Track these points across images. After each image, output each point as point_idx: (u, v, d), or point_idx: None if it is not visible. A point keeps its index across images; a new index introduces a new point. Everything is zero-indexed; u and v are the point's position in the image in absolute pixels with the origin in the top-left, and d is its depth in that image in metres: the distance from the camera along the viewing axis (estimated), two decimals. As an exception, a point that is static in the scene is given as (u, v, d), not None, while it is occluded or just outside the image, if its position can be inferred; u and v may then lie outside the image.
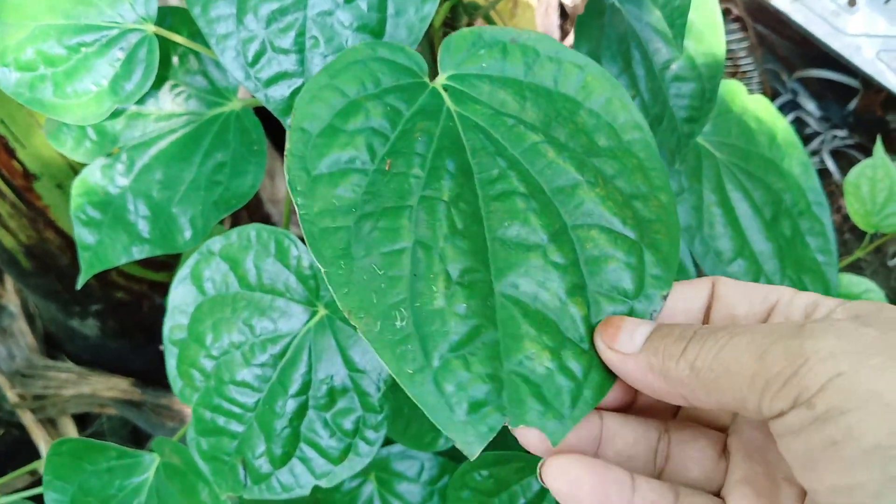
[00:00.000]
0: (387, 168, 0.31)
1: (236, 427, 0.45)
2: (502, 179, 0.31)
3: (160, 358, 1.40)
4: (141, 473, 0.52)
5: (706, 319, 0.32)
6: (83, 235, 0.51)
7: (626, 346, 0.29)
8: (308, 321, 0.45)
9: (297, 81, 0.40)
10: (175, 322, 0.46)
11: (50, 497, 0.56)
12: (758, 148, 0.66)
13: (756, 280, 0.59)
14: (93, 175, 0.50)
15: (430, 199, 0.30)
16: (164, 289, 1.23)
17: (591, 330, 0.30)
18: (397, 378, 0.28)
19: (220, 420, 0.46)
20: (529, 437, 0.29)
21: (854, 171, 0.87)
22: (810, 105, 1.39)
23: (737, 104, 0.66)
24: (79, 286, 0.52)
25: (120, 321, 1.24)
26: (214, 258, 0.45)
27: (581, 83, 0.34)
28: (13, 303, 1.43)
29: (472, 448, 0.27)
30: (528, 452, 0.48)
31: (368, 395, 0.44)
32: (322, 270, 0.28)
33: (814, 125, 1.40)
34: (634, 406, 0.33)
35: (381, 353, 0.28)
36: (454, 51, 0.34)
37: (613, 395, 0.31)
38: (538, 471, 0.29)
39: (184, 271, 0.45)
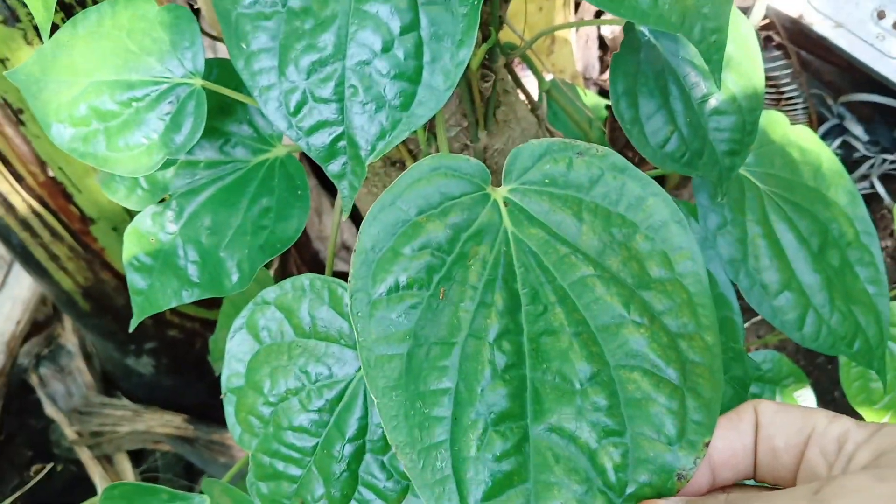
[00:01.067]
0: (441, 297, 0.31)
1: (295, 471, 0.46)
2: (549, 314, 0.32)
3: (212, 393, 1.42)
4: (193, 515, 0.53)
5: (756, 451, 0.33)
6: (135, 281, 0.53)
7: None
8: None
9: (338, 129, 0.41)
10: (232, 370, 0.47)
11: (105, 542, 0.57)
12: (802, 178, 0.65)
13: (805, 313, 0.59)
14: (144, 223, 0.52)
15: (476, 338, 0.31)
16: (215, 325, 1.26)
17: (622, 478, 0.30)
18: None
19: (280, 465, 0.46)
20: None
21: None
22: (857, 129, 1.37)
23: (779, 134, 0.65)
24: (131, 329, 0.53)
25: (173, 358, 1.27)
26: (269, 307, 0.46)
27: (641, 204, 0.34)
28: (71, 342, 1.47)
29: None
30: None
31: (419, 437, 0.45)
32: (375, 401, 0.30)
33: (862, 149, 1.38)
34: None
35: (422, 491, 0.29)
36: (520, 161, 0.35)
37: None
38: None
39: (239, 321, 0.46)
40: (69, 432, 1.40)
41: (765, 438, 0.32)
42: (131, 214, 0.54)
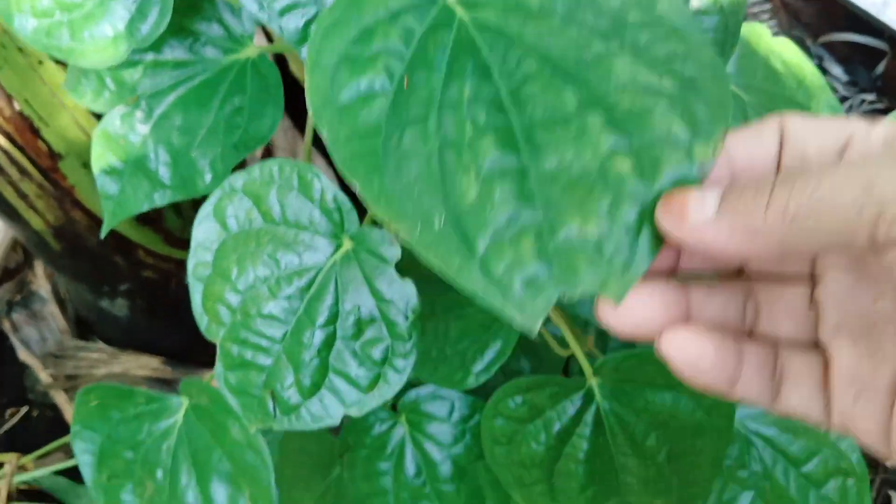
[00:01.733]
0: (405, 86, 0.30)
1: (264, 360, 0.45)
2: (521, 66, 0.30)
3: (190, 336, 1.42)
4: (169, 416, 0.52)
5: (780, 164, 0.30)
6: (105, 185, 0.52)
7: (698, 215, 0.27)
8: (333, 254, 0.45)
9: (311, 10, 0.39)
10: (199, 259, 0.46)
11: (79, 448, 0.56)
12: (785, 90, 0.64)
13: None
14: (112, 124, 0.50)
15: (451, 102, 0.30)
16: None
17: (639, 187, 0.28)
18: (447, 274, 0.27)
19: (248, 354, 0.46)
20: (609, 315, 0.28)
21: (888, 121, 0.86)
22: (836, 70, 1.36)
23: (762, 46, 0.65)
24: (102, 235, 0.52)
25: (149, 300, 1.26)
26: (237, 194, 0.45)
27: None
28: (44, 288, 1.45)
29: (532, 323, 0.27)
30: (562, 378, 0.48)
31: (396, 324, 0.44)
32: (357, 188, 0.28)
33: (841, 90, 1.38)
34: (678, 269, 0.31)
35: (425, 254, 0.27)
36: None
37: (659, 261, 0.30)
38: (656, 345, 0.29)
39: (206, 208, 0.45)
40: (44, 376, 1.39)
41: (793, 148, 0.29)
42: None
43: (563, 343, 0.61)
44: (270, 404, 0.45)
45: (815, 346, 0.30)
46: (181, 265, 1.24)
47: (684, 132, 0.28)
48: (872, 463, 1.32)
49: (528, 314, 0.27)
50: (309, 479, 0.66)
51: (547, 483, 0.51)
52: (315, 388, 0.45)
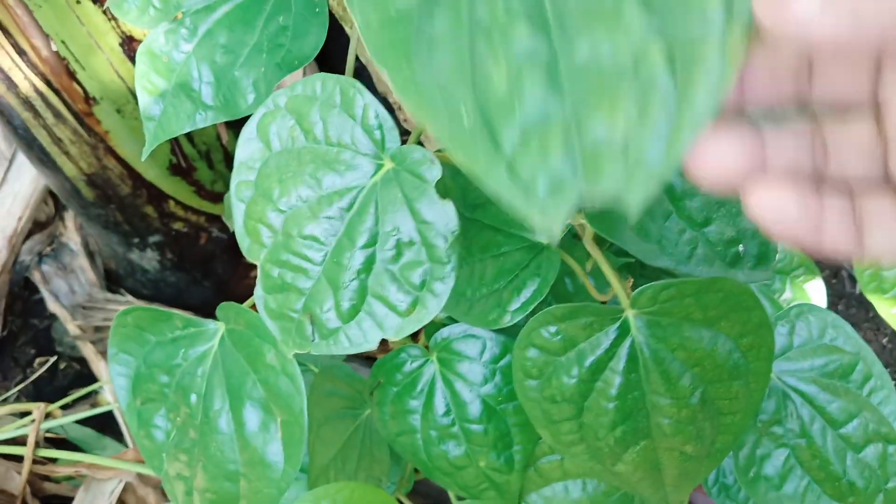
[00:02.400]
0: None
1: (304, 283, 0.45)
2: None
3: (218, 291, 1.43)
4: (206, 342, 0.52)
5: None
6: (149, 106, 0.52)
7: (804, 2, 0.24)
8: (374, 174, 0.45)
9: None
10: (242, 178, 0.46)
11: (114, 371, 0.57)
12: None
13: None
14: (157, 41, 0.50)
15: None
16: (220, 221, 1.24)
17: (672, 81, 0.26)
18: (473, 172, 0.27)
19: (288, 276, 0.45)
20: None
21: None
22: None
23: None
24: (143, 157, 0.52)
25: (178, 254, 1.26)
26: (281, 112, 0.44)
27: None
28: (74, 241, 1.46)
29: (553, 226, 0.26)
30: (598, 306, 0.47)
31: (436, 246, 0.44)
32: (387, 76, 0.28)
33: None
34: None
35: (455, 151, 0.27)
36: None
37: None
38: (744, 204, 0.28)
39: (250, 126, 0.45)
40: (72, 328, 1.40)
41: None
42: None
43: (599, 288, 0.60)
44: (309, 328, 0.45)
45: (889, 181, 0.29)
46: (212, 219, 1.24)
47: (720, 13, 0.26)
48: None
49: (551, 216, 0.26)
50: (338, 420, 0.66)
51: (576, 420, 0.50)
52: (354, 311, 0.44)
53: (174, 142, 1.10)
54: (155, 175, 1.14)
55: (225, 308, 0.51)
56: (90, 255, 1.47)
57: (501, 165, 0.27)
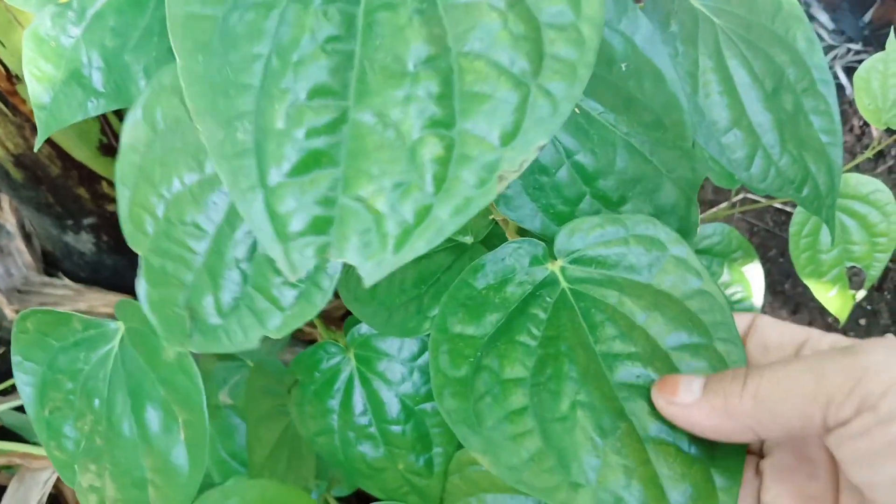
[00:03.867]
0: None
1: (186, 275, 0.42)
2: None
3: (155, 273, 1.37)
4: (107, 342, 0.50)
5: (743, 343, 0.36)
6: (38, 94, 0.48)
7: (686, 397, 0.34)
8: (258, 155, 0.42)
9: None
10: (126, 162, 0.43)
11: (20, 380, 0.54)
12: (760, 18, 0.62)
13: (753, 153, 0.56)
14: (43, 24, 0.47)
15: (299, 3, 0.27)
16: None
17: (441, 173, 0.27)
18: (230, 191, 0.26)
19: (170, 267, 0.43)
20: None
21: (864, 66, 0.84)
22: (823, 17, 1.33)
23: (739, -30, 0.62)
24: (36, 148, 0.49)
25: (114, 236, 1.23)
26: (166, 91, 0.41)
27: None
28: (10, 222, 1.42)
29: (294, 271, 0.26)
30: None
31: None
32: (178, 64, 0.26)
33: (827, 38, 1.35)
34: None
35: (219, 164, 0.26)
36: None
37: None
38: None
39: (136, 110, 0.42)
40: (9, 312, 1.36)
41: (759, 337, 0.37)
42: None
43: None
44: (189, 324, 0.43)
45: None
46: (147, 200, 1.21)
47: (506, 132, 0.27)
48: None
49: (297, 257, 0.26)
50: (272, 418, 0.64)
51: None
52: (235, 306, 0.42)
53: (104, 120, 1.06)
54: (85, 155, 1.10)
55: (122, 305, 0.49)
56: (27, 238, 1.43)
57: (260, 197, 0.26)
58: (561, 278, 0.39)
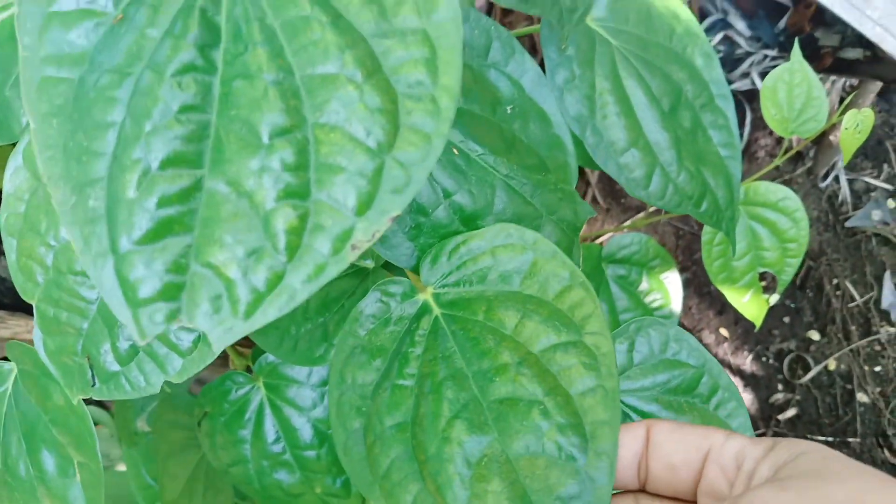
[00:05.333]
0: (115, 21, 0.27)
1: (80, 323, 0.42)
2: (248, 55, 0.28)
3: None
4: (1, 384, 0.49)
5: (643, 463, 0.36)
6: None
7: None
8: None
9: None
10: (11, 211, 0.42)
11: None
12: (657, 37, 0.63)
13: (651, 171, 0.57)
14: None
15: (154, 72, 0.27)
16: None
17: (294, 242, 0.27)
18: (81, 257, 0.27)
19: (64, 316, 0.42)
20: None
21: (771, 76, 0.86)
22: (740, 24, 1.37)
23: (635, -10, 0.63)
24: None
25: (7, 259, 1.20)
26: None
27: None
28: (-74, 250, 1.37)
29: (142, 336, 0.27)
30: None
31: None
32: (31, 127, 0.26)
33: (744, 45, 1.38)
34: None
35: (70, 228, 0.27)
36: None
37: None
38: None
39: (16, 155, 0.42)
40: (-74, 343, 1.32)
41: (661, 455, 0.35)
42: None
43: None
44: (89, 371, 0.42)
45: None
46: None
47: (360, 203, 0.28)
48: (766, 415, 1.36)
49: (143, 328, 0.27)
50: (183, 452, 0.63)
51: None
52: (133, 352, 0.41)
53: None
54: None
55: (13, 347, 0.48)
56: (-56, 266, 1.39)
57: (110, 263, 0.27)
58: (434, 305, 0.39)
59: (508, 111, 0.47)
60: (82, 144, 0.27)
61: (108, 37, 0.27)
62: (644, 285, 0.92)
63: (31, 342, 1.29)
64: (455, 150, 0.44)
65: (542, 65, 0.58)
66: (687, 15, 0.66)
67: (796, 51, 0.87)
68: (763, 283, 0.92)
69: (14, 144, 0.45)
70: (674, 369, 0.56)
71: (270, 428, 0.56)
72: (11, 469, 0.49)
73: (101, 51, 0.27)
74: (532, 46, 1.38)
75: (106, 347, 0.41)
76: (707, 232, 0.86)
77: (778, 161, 0.90)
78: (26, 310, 1.29)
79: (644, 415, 0.55)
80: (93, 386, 0.42)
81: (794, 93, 0.85)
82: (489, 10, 1.45)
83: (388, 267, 0.55)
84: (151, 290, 0.27)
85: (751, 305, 0.90)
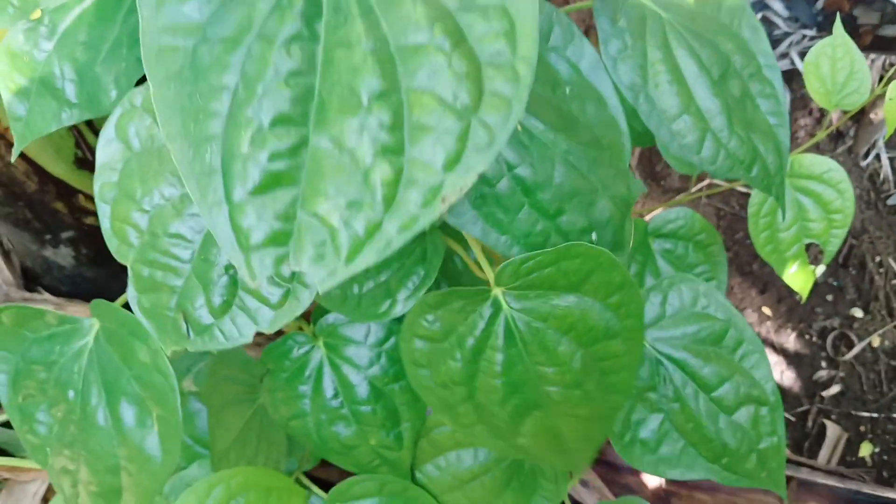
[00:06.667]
0: None
1: (175, 281, 0.45)
2: (348, 26, 0.31)
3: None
4: (81, 338, 0.52)
5: None
6: (13, 106, 0.51)
7: None
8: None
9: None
10: (105, 180, 0.46)
11: (-6, 369, 0.56)
12: (705, 9, 0.65)
13: (703, 136, 0.59)
14: (16, 40, 0.49)
15: (264, 41, 0.30)
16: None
17: (390, 194, 0.30)
18: (198, 206, 0.29)
19: (158, 275, 0.45)
20: None
21: (814, 51, 0.87)
22: (778, 5, 1.37)
23: (681, -36, 0.65)
24: (13, 159, 0.51)
25: (93, 248, 1.24)
26: (137, 111, 0.44)
27: None
28: (-12, 239, 1.42)
29: (253, 278, 0.30)
30: (468, 288, 0.49)
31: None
32: (151, 90, 0.29)
33: (782, 26, 1.38)
34: None
35: (188, 181, 0.29)
36: None
37: None
38: None
39: (108, 128, 0.45)
40: (-10, 329, 1.36)
41: None
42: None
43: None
44: (183, 325, 0.45)
45: None
46: (124, 211, 1.22)
47: (449, 159, 0.30)
48: (810, 392, 1.36)
49: (254, 270, 0.29)
50: (237, 405, 0.66)
51: (470, 402, 0.51)
52: (226, 306, 0.45)
53: (78, 135, 1.08)
54: (62, 170, 1.11)
55: (98, 305, 0.51)
56: (5, 254, 1.44)
57: (224, 212, 0.29)
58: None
59: (567, 92, 0.49)
60: (199, 105, 0.30)
61: (220, 9, 0.30)
62: (691, 259, 0.94)
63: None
64: (519, 126, 0.46)
65: (587, 35, 0.60)
66: (733, -12, 0.67)
67: (838, 25, 0.88)
68: (807, 255, 0.93)
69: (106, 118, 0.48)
70: (702, 321, 0.59)
71: (329, 384, 0.59)
72: (90, 417, 0.52)
73: (214, 22, 0.30)
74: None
75: (200, 302, 0.44)
76: (753, 205, 0.87)
77: (821, 136, 0.91)
78: (83, 296, 1.34)
79: (675, 361, 0.58)
80: (188, 338, 0.45)
81: (837, 66, 0.86)
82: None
83: (444, 229, 0.57)
84: (262, 236, 0.30)
85: (797, 277, 0.91)
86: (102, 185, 0.46)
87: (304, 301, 0.45)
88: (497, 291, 0.47)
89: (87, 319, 0.52)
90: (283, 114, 0.30)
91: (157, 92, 0.29)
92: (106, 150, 0.46)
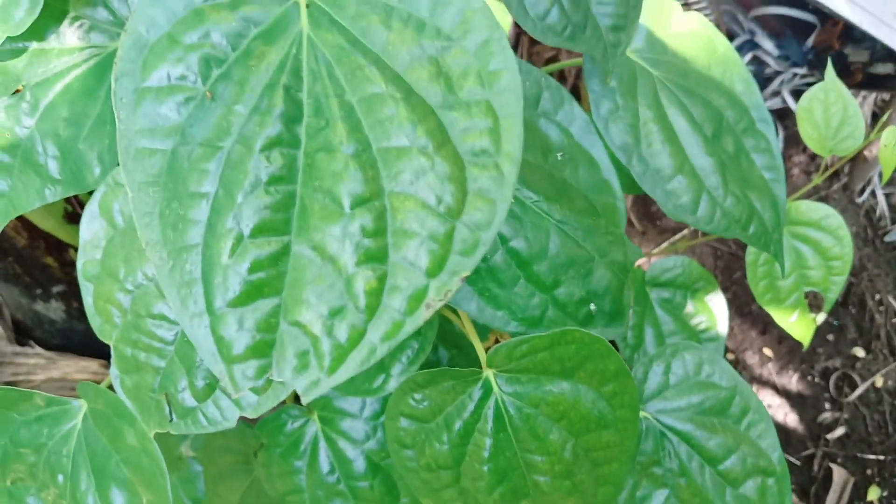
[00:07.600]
0: (208, 98, 0.30)
1: (157, 362, 0.44)
2: (329, 130, 0.30)
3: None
4: (69, 420, 0.51)
5: None
6: (-5, 182, 0.49)
7: None
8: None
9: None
10: (88, 257, 0.45)
11: (-18, 451, 0.54)
12: (696, 65, 0.64)
13: (698, 196, 0.58)
14: (-2, 117, 0.48)
15: (243, 146, 0.29)
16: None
17: (373, 302, 0.29)
18: (178, 318, 0.29)
19: (142, 356, 0.44)
20: None
21: (806, 96, 0.86)
22: (768, 44, 1.37)
23: (672, 21, 0.64)
24: (-4, 233, 0.50)
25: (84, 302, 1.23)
26: (121, 189, 0.43)
27: (460, 17, 0.32)
28: (-22, 293, 1.41)
29: (236, 389, 0.30)
30: (458, 369, 0.47)
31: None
32: (129, 195, 0.28)
33: (773, 65, 1.39)
34: None
35: (168, 290, 0.29)
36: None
37: None
38: None
39: (92, 205, 0.44)
40: (-19, 384, 1.35)
41: None
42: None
43: (481, 334, 0.60)
44: (166, 407, 0.44)
45: None
46: (116, 264, 1.21)
47: (433, 265, 0.30)
48: (814, 435, 1.34)
49: (236, 381, 0.30)
50: (233, 476, 0.65)
51: (455, 487, 0.49)
52: (209, 389, 0.43)
53: (68, 191, 1.07)
54: (51, 225, 1.11)
55: (85, 387, 0.50)
56: (-4, 308, 1.42)
57: (205, 323, 0.29)
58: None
59: (559, 158, 0.49)
60: (178, 212, 0.29)
61: (197, 111, 0.29)
62: (689, 308, 0.93)
63: (81, 382, 1.31)
64: (511, 198, 0.45)
65: (573, 92, 0.59)
66: (723, 40, 0.67)
67: (829, 70, 0.87)
68: (806, 300, 0.91)
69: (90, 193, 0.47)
70: (707, 390, 0.58)
71: (325, 459, 0.57)
72: (80, 502, 0.51)
73: (192, 124, 0.29)
74: (560, 75, 1.40)
75: (183, 385, 0.43)
76: (751, 253, 0.86)
77: (817, 180, 0.91)
78: (75, 350, 1.32)
79: (680, 434, 0.56)
80: (170, 421, 0.43)
81: (831, 111, 0.86)
82: (517, 41, 1.47)
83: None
84: (244, 347, 0.29)
85: (798, 325, 0.90)
86: (86, 262, 0.45)
87: (305, 399, 0.44)
88: (489, 373, 0.46)
89: (76, 401, 0.51)
90: (264, 221, 0.29)
91: (135, 197, 0.29)
92: (89, 227, 0.45)
